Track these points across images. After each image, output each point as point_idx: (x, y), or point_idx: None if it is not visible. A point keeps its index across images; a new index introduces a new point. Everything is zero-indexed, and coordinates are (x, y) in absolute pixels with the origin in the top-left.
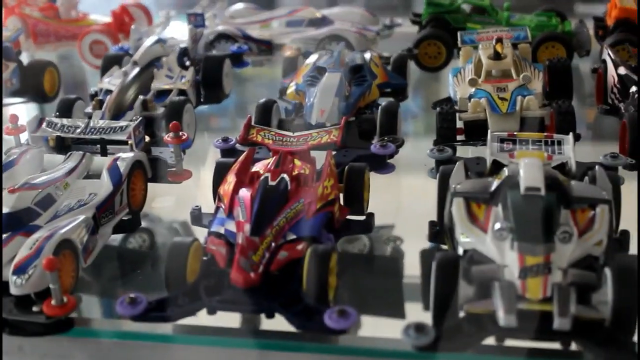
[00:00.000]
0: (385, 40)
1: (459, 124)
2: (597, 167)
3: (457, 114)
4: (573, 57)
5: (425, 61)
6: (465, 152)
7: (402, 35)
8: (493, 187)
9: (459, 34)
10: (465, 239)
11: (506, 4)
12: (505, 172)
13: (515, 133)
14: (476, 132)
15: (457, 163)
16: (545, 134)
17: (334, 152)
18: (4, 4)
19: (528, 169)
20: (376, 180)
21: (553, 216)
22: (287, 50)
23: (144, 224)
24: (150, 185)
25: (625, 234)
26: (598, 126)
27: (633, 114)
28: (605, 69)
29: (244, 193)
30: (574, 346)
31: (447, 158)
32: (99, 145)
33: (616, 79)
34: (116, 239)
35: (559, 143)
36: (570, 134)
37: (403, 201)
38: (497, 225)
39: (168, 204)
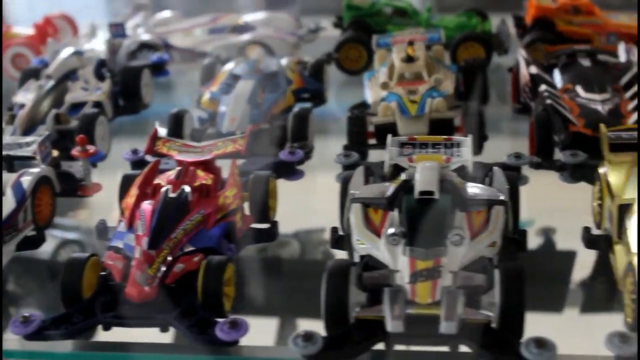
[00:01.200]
0: (311, 44)
1: (372, 128)
2: (494, 168)
3: (368, 118)
4: (492, 57)
5: (347, 64)
6: (380, 155)
7: (328, 39)
8: (389, 192)
9: (374, 37)
10: (361, 245)
11: (427, 5)
12: (403, 176)
13: (415, 136)
14: (387, 135)
15: (357, 168)
16: (445, 136)
17: (243, 160)
18: None
19: (423, 173)
20: (287, 187)
21: (446, 220)
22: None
23: (51, 239)
24: (63, 199)
25: (523, 233)
26: (513, 125)
27: (540, 113)
28: (518, 68)
29: (146, 206)
30: (463, 348)
31: (353, 163)
32: None
33: (528, 78)
34: (23, 255)
35: (459, 145)
36: (469, 135)
37: (313, 207)
38: (390, 231)
39: (78, 218)
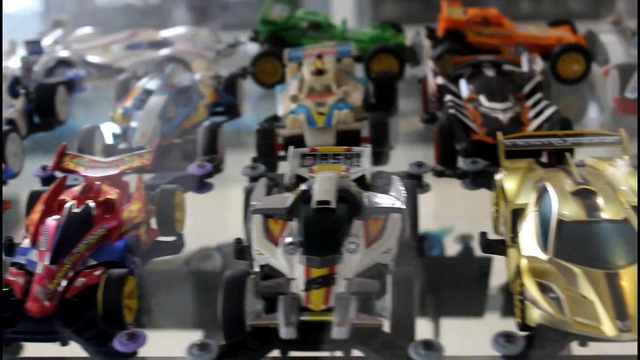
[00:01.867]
0: (230, 58)
1: (282, 140)
2: (392, 176)
3: (277, 130)
4: (404, 69)
5: (263, 78)
6: None
7: (248, 53)
8: (289, 203)
9: (285, 51)
10: (260, 254)
11: (343, 19)
12: (302, 186)
13: (316, 148)
14: (295, 147)
15: (260, 180)
16: (345, 147)
17: (152, 175)
18: None
19: (321, 183)
20: (196, 200)
21: (341, 228)
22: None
23: None
24: None
25: (421, 239)
26: (422, 135)
27: (443, 122)
28: (427, 79)
29: (50, 222)
30: (357, 353)
31: (259, 175)
32: None
33: (435, 88)
34: None
35: (358, 155)
36: (368, 146)
37: (220, 219)
38: (287, 240)
39: None
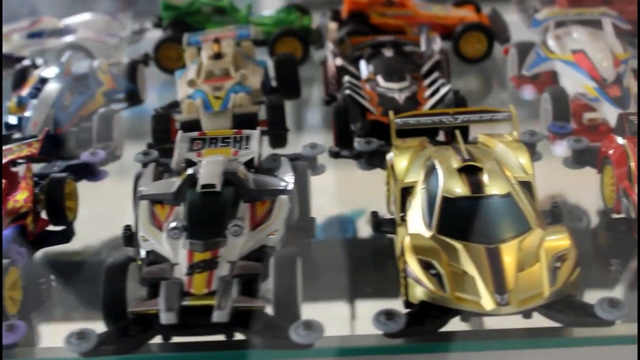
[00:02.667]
0: (137, 45)
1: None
2: (281, 158)
3: (174, 115)
4: (309, 51)
5: (168, 64)
6: None
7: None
8: (174, 187)
9: (184, 35)
10: (146, 241)
11: (248, 2)
12: (189, 171)
13: (206, 132)
14: (192, 132)
15: (149, 165)
16: (235, 130)
17: (43, 164)
18: None
19: (206, 167)
20: (92, 188)
21: (226, 211)
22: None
23: None
24: None
25: (312, 220)
26: (324, 117)
27: (338, 103)
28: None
29: None
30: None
31: (152, 161)
32: None
33: (334, 70)
34: None
35: (247, 138)
36: (258, 129)
37: (115, 207)
38: (172, 225)
39: None
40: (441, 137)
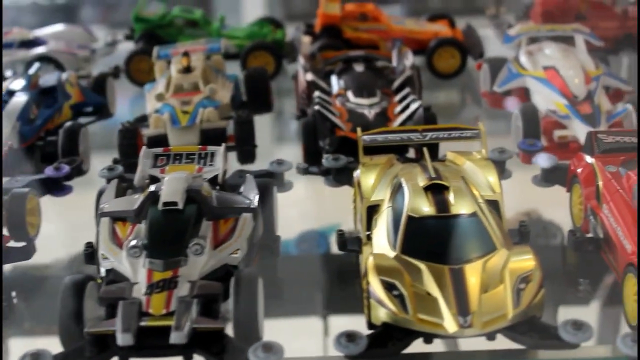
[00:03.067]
0: (110, 57)
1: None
2: (247, 175)
3: (142, 130)
4: (282, 65)
5: (140, 77)
6: None
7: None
8: (136, 205)
9: (155, 49)
10: (105, 259)
11: (220, 15)
12: (151, 188)
13: (170, 148)
14: (158, 147)
15: (112, 182)
16: (200, 146)
17: (6, 179)
18: None
19: (169, 184)
20: (56, 204)
21: (187, 230)
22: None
23: None
24: None
25: (276, 239)
26: (296, 132)
27: (307, 119)
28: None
29: None
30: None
31: (116, 176)
32: None
33: (305, 85)
34: None
35: (212, 155)
36: (223, 145)
37: (79, 223)
38: (132, 243)
39: None
40: (412, 154)
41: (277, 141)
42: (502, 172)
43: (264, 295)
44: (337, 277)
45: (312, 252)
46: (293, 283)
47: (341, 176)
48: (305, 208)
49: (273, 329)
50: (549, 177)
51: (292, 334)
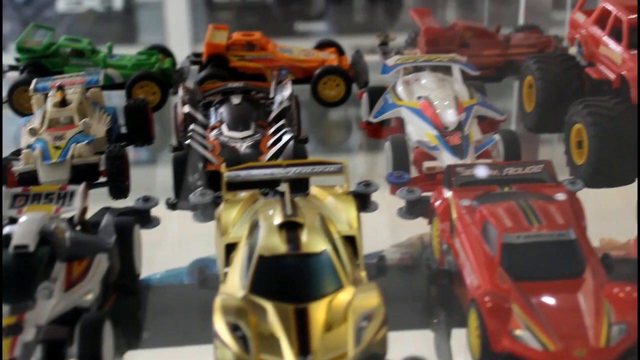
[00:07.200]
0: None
1: None
2: (106, 214)
3: (13, 165)
4: (168, 96)
5: (25, 109)
6: None
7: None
8: None
9: (33, 81)
10: None
11: (108, 44)
12: (5, 230)
13: (29, 188)
14: (30, 183)
15: None
16: (60, 185)
17: None
18: None
19: (21, 226)
20: None
21: (36, 273)
22: None
23: None
24: None
25: (135, 277)
26: None
27: (176, 153)
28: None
29: None
30: None
31: None
32: None
33: (182, 117)
34: None
35: (72, 194)
36: (83, 183)
37: None
38: None
39: None
40: None
41: (154, 175)
42: (368, 205)
43: (124, 333)
44: (199, 312)
45: (176, 288)
46: (152, 321)
47: (209, 212)
48: (172, 244)
49: None
50: (413, 210)
51: None
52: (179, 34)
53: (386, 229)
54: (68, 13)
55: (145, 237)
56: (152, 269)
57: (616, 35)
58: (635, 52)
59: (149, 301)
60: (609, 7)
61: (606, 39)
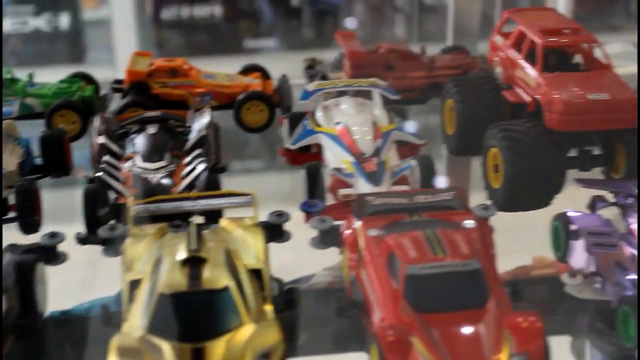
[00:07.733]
0: None
1: None
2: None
3: None
4: (88, 125)
5: None
6: None
7: None
8: None
9: None
10: None
11: (29, 73)
12: None
13: None
14: None
15: None
16: None
17: None
18: None
19: None
20: None
21: None
22: None
23: None
24: None
25: (37, 317)
26: None
27: (87, 186)
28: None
29: None
30: None
31: None
32: None
33: (97, 147)
34: None
35: None
36: None
37: None
38: None
39: None
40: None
41: (70, 208)
42: (281, 235)
43: None
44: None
45: (82, 323)
46: (56, 357)
47: (119, 246)
48: (80, 280)
49: None
50: (325, 240)
51: None
52: (127, 53)
53: (297, 260)
54: (12, 33)
55: (53, 274)
56: (55, 306)
57: (532, 59)
58: (549, 75)
59: (51, 339)
60: (525, 30)
61: (522, 62)
